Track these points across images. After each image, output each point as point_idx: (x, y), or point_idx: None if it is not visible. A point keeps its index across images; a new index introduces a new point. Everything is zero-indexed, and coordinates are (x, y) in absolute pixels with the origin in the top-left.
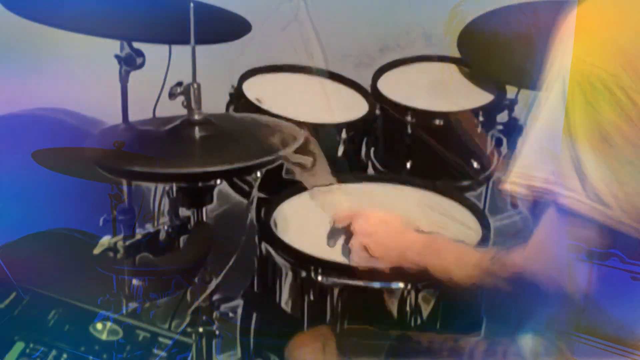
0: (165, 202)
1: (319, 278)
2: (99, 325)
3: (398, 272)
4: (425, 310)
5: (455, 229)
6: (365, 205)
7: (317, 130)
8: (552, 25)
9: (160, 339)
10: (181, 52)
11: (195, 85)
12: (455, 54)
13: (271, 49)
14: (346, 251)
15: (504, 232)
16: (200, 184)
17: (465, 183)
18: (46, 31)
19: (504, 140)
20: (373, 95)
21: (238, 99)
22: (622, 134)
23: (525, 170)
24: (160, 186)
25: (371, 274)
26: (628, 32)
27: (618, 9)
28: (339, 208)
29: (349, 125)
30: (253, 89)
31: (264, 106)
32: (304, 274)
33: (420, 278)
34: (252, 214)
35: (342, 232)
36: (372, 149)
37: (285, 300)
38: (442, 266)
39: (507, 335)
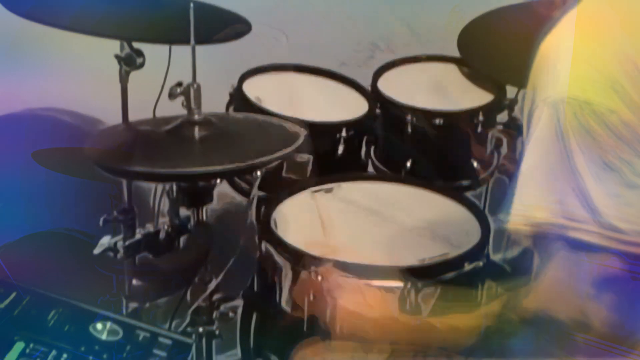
0: (165, 202)
1: (319, 278)
2: (99, 325)
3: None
4: (425, 310)
5: (455, 230)
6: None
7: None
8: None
9: (160, 339)
10: (181, 52)
11: (195, 85)
12: (455, 53)
13: (271, 49)
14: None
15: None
16: (200, 184)
17: (465, 183)
18: (46, 31)
19: (504, 140)
20: (373, 95)
21: (238, 99)
22: (619, 155)
23: (526, 207)
24: (160, 186)
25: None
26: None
27: (611, 33)
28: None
29: (349, 125)
30: (253, 89)
31: (264, 106)
32: (304, 273)
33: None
34: (252, 214)
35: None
36: (372, 148)
37: (285, 300)
38: (448, 333)
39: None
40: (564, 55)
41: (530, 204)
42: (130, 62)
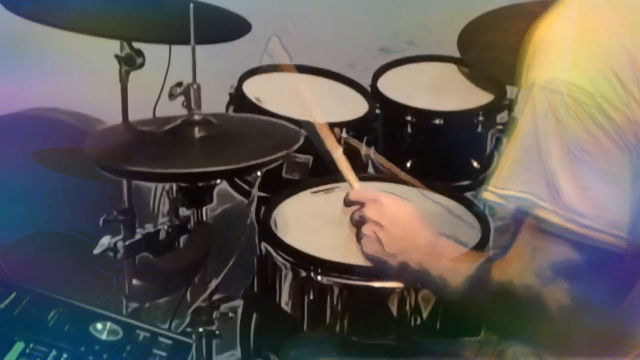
0: (165, 202)
1: (319, 278)
2: (99, 325)
3: (400, 272)
4: (425, 310)
5: (455, 230)
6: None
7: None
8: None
9: (160, 339)
10: (181, 52)
11: (195, 86)
12: (455, 53)
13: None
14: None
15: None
16: (200, 184)
17: (465, 183)
18: (46, 31)
19: (504, 140)
20: (373, 95)
21: (238, 99)
22: (589, 146)
23: (503, 179)
24: (160, 186)
25: (374, 271)
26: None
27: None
28: (355, 186)
29: (349, 125)
30: (253, 89)
31: (264, 106)
32: (304, 274)
33: (418, 282)
34: (252, 214)
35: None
36: (372, 149)
37: (285, 300)
38: (439, 270)
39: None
40: (547, 42)
41: (507, 178)
42: (130, 62)
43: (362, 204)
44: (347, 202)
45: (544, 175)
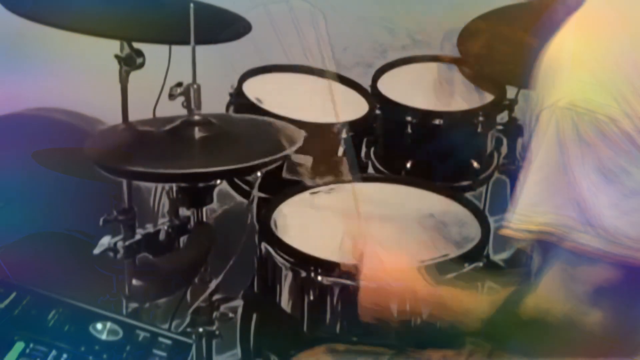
0: (165, 202)
1: (319, 278)
2: (99, 325)
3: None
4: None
5: (454, 230)
6: (374, 243)
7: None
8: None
9: (160, 339)
10: (181, 52)
11: (195, 86)
12: (455, 53)
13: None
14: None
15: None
16: (200, 184)
17: (465, 183)
18: (46, 31)
19: (504, 140)
20: (373, 95)
21: (238, 99)
22: (619, 166)
23: (525, 214)
24: (160, 186)
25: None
26: (619, 64)
27: (609, 42)
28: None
29: (349, 125)
30: (253, 89)
31: (264, 106)
32: (304, 274)
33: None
34: (252, 214)
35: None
36: (372, 149)
37: (285, 300)
38: (449, 317)
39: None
40: (564, 62)
41: (530, 211)
42: (130, 62)
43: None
44: (345, 269)
45: (575, 201)
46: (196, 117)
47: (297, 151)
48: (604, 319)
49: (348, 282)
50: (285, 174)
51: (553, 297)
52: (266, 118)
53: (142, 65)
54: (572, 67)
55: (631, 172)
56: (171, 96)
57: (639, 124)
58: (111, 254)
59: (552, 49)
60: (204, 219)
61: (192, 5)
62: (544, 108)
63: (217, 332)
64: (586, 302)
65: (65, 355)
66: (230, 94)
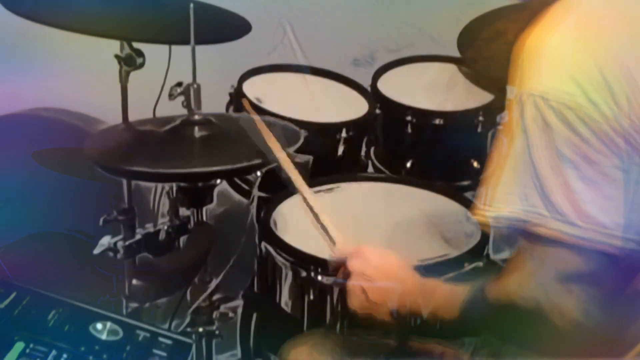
0: (165, 202)
1: (319, 278)
2: (99, 325)
3: (392, 318)
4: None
5: (455, 230)
6: (364, 239)
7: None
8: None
9: (160, 339)
10: (181, 52)
11: (195, 86)
12: (455, 53)
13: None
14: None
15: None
16: (200, 184)
17: (465, 183)
18: (46, 31)
19: (504, 140)
20: (373, 95)
21: (238, 99)
22: (579, 152)
23: (492, 200)
24: (160, 186)
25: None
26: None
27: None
28: (337, 241)
29: (349, 125)
30: (253, 89)
31: (264, 106)
32: (304, 274)
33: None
34: (252, 214)
35: (339, 266)
36: (372, 149)
37: (285, 300)
38: (434, 309)
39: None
40: (534, 50)
41: (497, 198)
42: (130, 62)
43: (344, 260)
44: (332, 266)
45: (538, 187)
46: (196, 117)
47: (297, 151)
48: (578, 308)
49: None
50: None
51: (516, 282)
52: (266, 118)
53: (142, 65)
54: (541, 56)
55: (587, 158)
56: (171, 96)
57: (598, 115)
58: (111, 254)
59: (521, 39)
60: (204, 219)
61: (192, 5)
62: (512, 96)
63: (217, 332)
64: (552, 287)
65: (65, 355)
66: (230, 94)
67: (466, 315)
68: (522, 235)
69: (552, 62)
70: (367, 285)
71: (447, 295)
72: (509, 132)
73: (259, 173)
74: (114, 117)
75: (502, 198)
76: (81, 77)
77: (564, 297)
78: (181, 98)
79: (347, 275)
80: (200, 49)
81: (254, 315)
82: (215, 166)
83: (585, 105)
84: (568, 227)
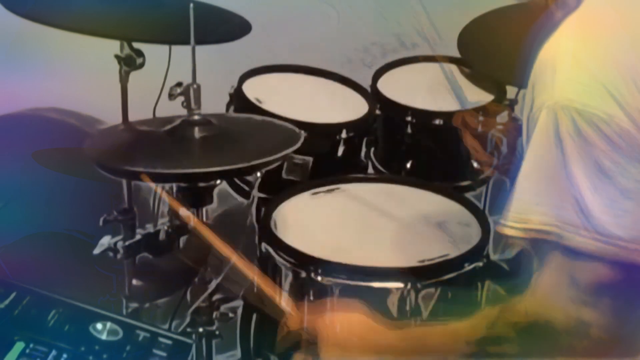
0: (165, 202)
1: (319, 278)
2: (99, 325)
3: None
4: (425, 310)
5: (455, 230)
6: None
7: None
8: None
9: (160, 339)
10: (181, 52)
11: (195, 86)
12: (455, 53)
13: (271, 49)
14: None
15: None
16: (200, 184)
17: (465, 183)
18: (46, 31)
19: (504, 140)
20: (373, 95)
21: (238, 99)
22: (617, 164)
23: (521, 212)
24: (160, 186)
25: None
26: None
27: (602, 44)
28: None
29: (349, 125)
30: (253, 89)
31: (264, 106)
32: (304, 274)
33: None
34: (252, 214)
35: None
36: (372, 149)
37: (285, 301)
38: (446, 339)
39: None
40: (563, 60)
41: (527, 209)
42: (130, 62)
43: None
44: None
45: (573, 200)
46: (196, 117)
47: (297, 152)
48: (603, 319)
49: (348, 282)
50: (285, 174)
51: (551, 297)
52: (266, 118)
53: (142, 65)
54: (570, 67)
55: (622, 170)
56: (171, 96)
57: (631, 124)
58: (111, 254)
59: (549, 48)
60: (204, 219)
61: (192, 5)
62: (543, 106)
63: (217, 332)
64: (585, 302)
65: (65, 355)
66: (230, 94)
67: (488, 342)
68: (554, 249)
69: (583, 73)
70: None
71: (446, 336)
72: (536, 143)
73: (258, 174)
74: (114, 117)
75: (532, 210)
76: (81, 77)
77: (600, 310)
78: (181, 98)
79: (314, 339)
80: (200, 49)
81: (254, 315)
82: (215, 166)
83: (620, 117)
84: (608, 242)
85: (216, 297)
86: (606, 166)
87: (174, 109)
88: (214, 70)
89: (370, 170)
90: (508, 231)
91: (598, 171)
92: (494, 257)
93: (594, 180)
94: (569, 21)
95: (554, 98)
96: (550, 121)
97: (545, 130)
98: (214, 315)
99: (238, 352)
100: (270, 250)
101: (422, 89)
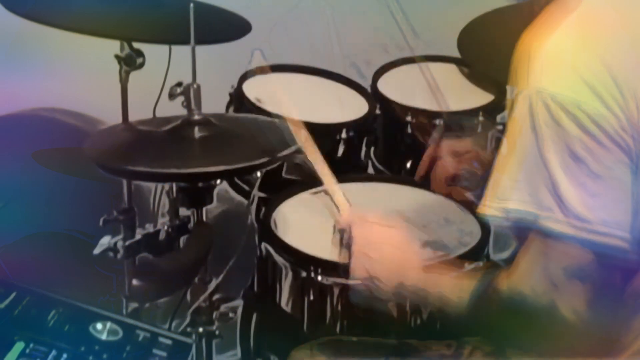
0: (165, 202)
1: (319, 278)
2: (99, 325)
3: (396, 293)
4: (425, 310)
5: (454, 230)
6: (368, 211)
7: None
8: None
9: (160, 339)
10: (181, 52)
11: (195, 86)
12: (455, 53)
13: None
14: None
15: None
16: (200, 184)
17: (465, 183)
18: (46, 31)
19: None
20: (373, 95)
21: (238, 99)
22: (590, 150)
23: (500, 194)
24: (160, 186)
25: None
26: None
27: (581, 36)
28: (343, 209)
29: (349, 125)
30: (253, 89)
31: (264, 106)
32: (304, 274)
33: (416, 301)
34: (252, 214)
35: (343, 236)
36: (372, 149)
37: (285, 300)
38: (439, 292)
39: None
40: (538, 49)
41: (505, 192)
42: (130, 62)
43: (350, 227)
44: (340, 231)
45: (548, 184)
46: (196, 117)
47: (297, 152)
48: (575, 302)
49: (348, 282)
50: (285, 174)
51: (527, 276)
52: (266, 118)
53: (142, 65)
54: (550, 55)
55: (596, 156)
56: (171, 96)
57: (607, 113)
58: (111, 254)
59: (525, 38)
60: (204, 219)
61: (192, 5)
62: (520, 94)
63: (217, 332)
64: (557, 284)
65: (65, 355)
66: (230, 94)
67: (471, 311)
68: (531, 230)
69: (560, 62)
70: (373, 253)
71: (452, 284)
72: (514, 129)
73: (258, 173)
74: (114, 117)
75: (510, 192)
76: (81, 77)
77: (572, 292)
78: (181, 98)
79: (350, 243)
80: (200, 49)
81: (254, 315)
82: (215, 166)
83: (595, 105)
84: (577, 222)
85: (216, 297)
86: (577, 151)
87: (174, 109)
88: (214, 70)
89: (370, 170)
90: (488, 210)
91: (569, 156)
92: (495, 256)
93: (566, 164)
94: (546, 12)
95: (528, 85)
96: (525, 107)
97: (520, 116)
98: (214, 315)
99: (238, 352)
100: (270, 249)
101: (422, 89)
